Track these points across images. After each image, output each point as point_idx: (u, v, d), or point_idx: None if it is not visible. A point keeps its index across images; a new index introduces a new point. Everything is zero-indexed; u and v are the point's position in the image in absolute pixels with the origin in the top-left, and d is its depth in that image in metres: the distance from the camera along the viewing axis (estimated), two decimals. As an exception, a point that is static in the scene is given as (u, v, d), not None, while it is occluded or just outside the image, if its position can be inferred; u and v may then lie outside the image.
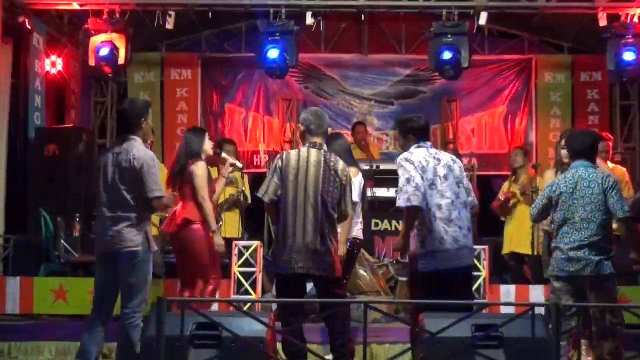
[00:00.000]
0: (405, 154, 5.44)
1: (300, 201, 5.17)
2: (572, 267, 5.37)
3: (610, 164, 7.38)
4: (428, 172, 5.28)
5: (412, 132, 5.53)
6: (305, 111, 5.77)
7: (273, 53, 9.26)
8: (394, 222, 8.78)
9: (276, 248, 5.40)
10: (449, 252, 5.23)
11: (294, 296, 5.29)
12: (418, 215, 5.23)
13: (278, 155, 5.47)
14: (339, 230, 5.46)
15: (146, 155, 5.04)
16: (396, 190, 8.45)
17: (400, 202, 5.22)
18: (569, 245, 5.37)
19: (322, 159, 5.24)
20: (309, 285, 5.62)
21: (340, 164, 5.31)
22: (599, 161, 6.32)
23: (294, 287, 5.27)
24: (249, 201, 8.53)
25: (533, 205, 5.86)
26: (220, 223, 7.94)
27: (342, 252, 5.58)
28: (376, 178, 8.46)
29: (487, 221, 9.08)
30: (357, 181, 6.45)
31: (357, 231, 6.49)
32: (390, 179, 8.36)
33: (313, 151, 5.27)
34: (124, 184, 4.98)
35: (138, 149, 5.02)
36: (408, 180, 5.20)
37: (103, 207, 5.05)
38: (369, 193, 6.87)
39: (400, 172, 5.32)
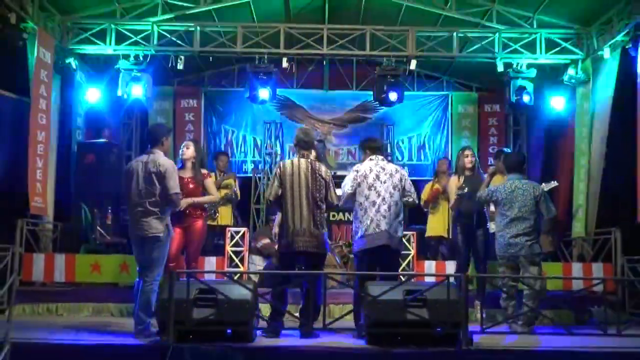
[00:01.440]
0: (357, 164, 5.65)
1: (297, 198, 5.24)
2: (512, 250, 5.61)
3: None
4: (369, 178, 5.37)
5: (369, 148, 5.63)
6: (298, 130, 5.73)
7: (263, 93, 9.23)
8: (345, 214, 8.96)
9: (281, 234, 5.42)
10: (371, 236, 5.28)
11: (290, 269, 5.33)
12: (345, 207, 5.46)
13: (277, 165, 5.52)
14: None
15: (168, 163, 5.10)
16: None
17: (341, 202, 5.50)
18: (509, 235, 5.60)
19: (310, 166, 5.32)
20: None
21: (323, 168, 5.41)
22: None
23: (294, 262, 5.37)
24: (239, 198, 8.64)
25: (479, 197, 5.95)
26: (217, 215, 8.11)
27: None
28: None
29: (415, 214, 9.01)
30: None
31: None
32: (339, 182, 8.83)
33: (303, 161, 5.35)
34: (152, 184, 5.00)
35: (163, 159, 5.09)
36: (344, 186, 5.44)
37: (135, 203, 5.05)
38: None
39: (345, 179, 5.53)
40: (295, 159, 5.41)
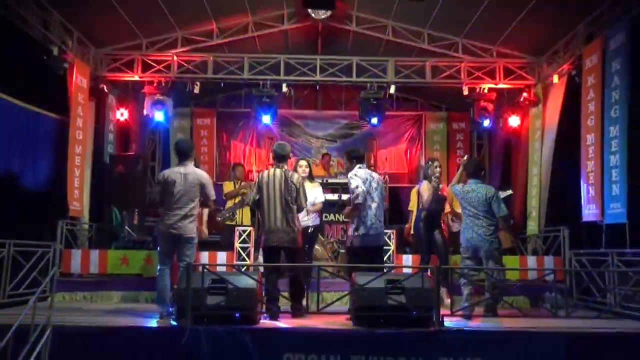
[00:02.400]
0: (354, 171, 5.54)
1: (272, 202, 5.28)
2: (472, 244, 5.57)
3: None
4: (367, 184, 5.40)
5: (355, 158, 5.62)
6: (275, 145, 5.72)
7: (266, 118, 9.33)
8: (337, 215, 8.92)
9: (261, 232, 5.49)
10: (371, 236, 5.34)
11: (272, 261, 5.35)
12: (360, 208, 5.37)
13: (257, 175, 5.57)
14: (300, 216, 5.54)
15: (205, 174, 5.23)
16: (339, 195, 8.69)
17: (356, 200, 5.36)
18: (471, 230, 5.56)
19: (283, 174, 5.33)
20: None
21: (295, 176, 5.40)
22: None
23: (272, 255, 5.36)
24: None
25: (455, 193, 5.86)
26: (235, 216, 8.06)
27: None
28: (327, 187, 8.32)
29: (394, 214, 9.21)
30: (319, 191, 6.63)
31: (315, 220, 6.60)
32: (334, 188, 8.68)
33: (277, 170, 5.37)
34: (190, 192, 5.07)
35: (199, 171, 5.20)
36: (357, 187, 5.35)
37: (174, 207, 5.06)
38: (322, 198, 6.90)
39: (352, 182, 5.43)
40: (272, 170, 5.42)
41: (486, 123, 9.27)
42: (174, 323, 4.63)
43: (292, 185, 5.32)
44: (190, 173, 5.11)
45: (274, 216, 5.26)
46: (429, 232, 6.34)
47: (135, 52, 8.85)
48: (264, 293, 5.04)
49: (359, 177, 5.45)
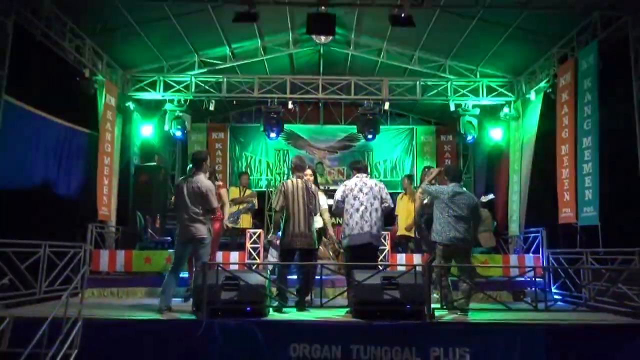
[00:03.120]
0: (346, 181, 5.65)
1: (296, 208, 5.29)
2: (456, 242, 5.27)
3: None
4: (354, 190, 5.37)
5: (354, 168, 5.64)
6: (294, 158, 5.73)
7: (273, 134, 9.40)
8: (337, 219, 8.89)
9: (283, 235, 5.38)
10: (357, 235, 5.26)
11: (287, 261, 5.35)
12: (336, 213, 5.47)
13: (280, 184, 5.51)
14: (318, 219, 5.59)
15: (209, 184, 5.14)
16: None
17: (333, 206, 5.53)
18: (454, 230, 5.27)
19: (304, 185, 5.38)
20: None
21: (313, 186, 5.48)
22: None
23: (289, 255, 5.34)
24: (256, 208, 8.65)
25: (428, 190, 5.63)
26: (240, 219, 8.07)
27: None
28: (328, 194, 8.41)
29: (388, 218, 9.13)
30: (322, 196, 6.64)
31: (319, 223, 6.66)
32: (332, 194, 8.70)
33: (299, 180, 5.41)
34: (197, 199, 5.04)
35: (204, 181, 5.13)
36: (336, 195, 5.47)
37: (184, 212, 5.04)
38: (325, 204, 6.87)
39: (337, 190, 5.53)
40: (294, 179, 5.44)
41: (470, 136, 9.23)
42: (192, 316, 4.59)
43: (312, 194, 5.38)
44: (196, 181, 5.08)
45: (298, 221, 5.26)
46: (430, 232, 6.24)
47: (157, 73, 8.89)
48: (276, 289, 5.01)
49: (346, 185, 5.48)
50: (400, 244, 8.28)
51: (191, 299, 5.00)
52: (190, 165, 5.47)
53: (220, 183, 6.25)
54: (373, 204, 5.34)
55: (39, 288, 5.74)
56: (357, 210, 5.30)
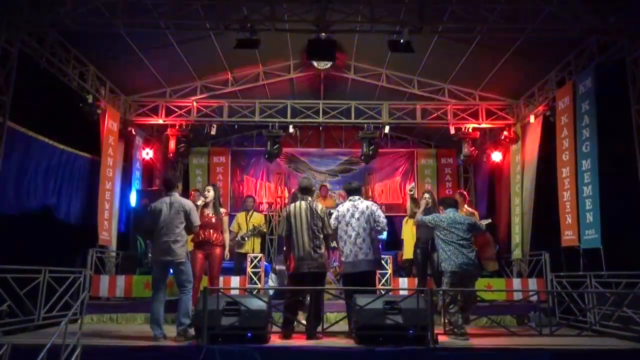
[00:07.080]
0: (339, 206, 5.49)
1: (299, 232, 5.14)
2: (465, 267, 5.23)
3: (467, 207, 7.43)
4: (346, 216, 5.28)
5: (348, 192, 5.54)
6: (301, 179, 5.59)
7: (274, 159, 9.41)
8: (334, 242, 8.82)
9: (290, 259, 5.21)
10: (351, 263, 5.17)
11: (299, 286, 5.13)
12: (333, 239, 5.35)
13: (285, 208, 5.39)
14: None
15: (190, 203, 5.06)
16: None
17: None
18: (462, 256, 5.23)
19: (309, 206, 5.21)
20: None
21: (319, 207, 5.26)
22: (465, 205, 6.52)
23: (298, 282, 5.15)
24: (265, 231, 8.59)
25: (424, 221, 5.63)
26: (244, 243, 7.84)
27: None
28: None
29: (390, 241, 8.98)
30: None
31: None
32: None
33: (303, 203, 5.25)
34: (177, 219, 4.91)
35: (184, 200, 5.03)
36: (331, 221, 5.32)
37: (163, 235, 4.89)
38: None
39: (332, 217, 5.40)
40: (298, 203, 5.30)
41: (471, 159, 9.28)
42: (192, 339, 4.53)
43: (317, 215, 5.18)
44: (175, 202, 4.97)
45: (302, 244, 5.09)
46: (423, 256, 6.24)
47: (159, 99, 8.98)
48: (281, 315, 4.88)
49: (338, 211, 5.37)
50: (404, 268, 8.19)
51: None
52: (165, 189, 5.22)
53: (224, 210, 6.17)
54: (366, 229, 5.22)
55: (38, 314, 5.68)
56: (350, 237, 5.22)
